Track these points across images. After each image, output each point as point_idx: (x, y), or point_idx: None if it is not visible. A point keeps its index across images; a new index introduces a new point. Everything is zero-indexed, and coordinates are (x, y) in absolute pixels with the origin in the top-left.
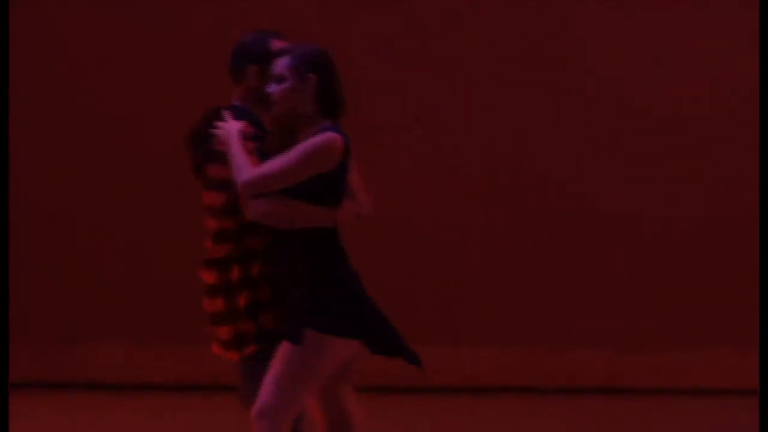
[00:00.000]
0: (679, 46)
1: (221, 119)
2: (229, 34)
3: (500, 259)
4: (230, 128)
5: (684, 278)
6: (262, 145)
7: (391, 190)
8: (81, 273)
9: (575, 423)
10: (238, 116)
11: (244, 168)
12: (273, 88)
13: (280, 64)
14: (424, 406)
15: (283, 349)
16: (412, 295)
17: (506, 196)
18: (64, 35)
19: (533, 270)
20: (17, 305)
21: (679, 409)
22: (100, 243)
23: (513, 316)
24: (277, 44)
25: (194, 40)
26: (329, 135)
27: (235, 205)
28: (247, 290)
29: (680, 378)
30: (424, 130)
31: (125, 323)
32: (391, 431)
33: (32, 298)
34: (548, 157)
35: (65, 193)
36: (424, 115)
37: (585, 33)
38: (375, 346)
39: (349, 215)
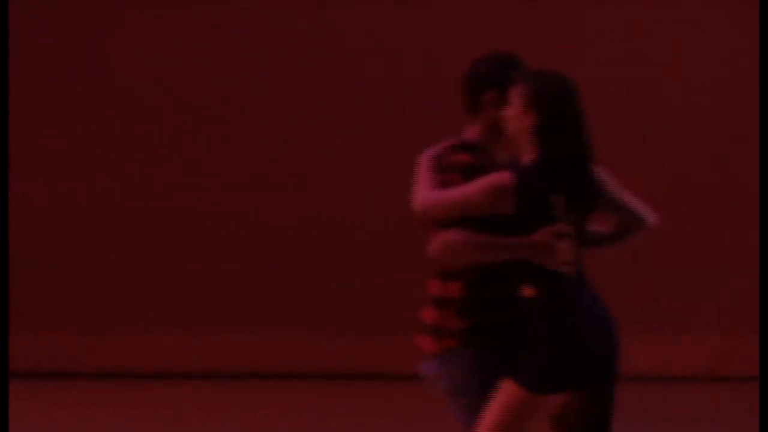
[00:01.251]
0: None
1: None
2: (219, 31)
3: None
4: (426, 154)
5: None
6: (467, 176)
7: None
8: (74, 263)
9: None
10: (460, 150)
11: (421, 195)
12: (506, 111)
13: (516, 90)
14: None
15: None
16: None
17: None
18: (65, 35)
19: None
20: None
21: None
22: (94, 235)
23: None
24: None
25: (191, 38)
26: (494, 178)
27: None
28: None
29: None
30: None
31: (122, 313)
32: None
33: (28, 288)
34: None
35: (64, 190)
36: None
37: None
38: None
39: (544, 239)
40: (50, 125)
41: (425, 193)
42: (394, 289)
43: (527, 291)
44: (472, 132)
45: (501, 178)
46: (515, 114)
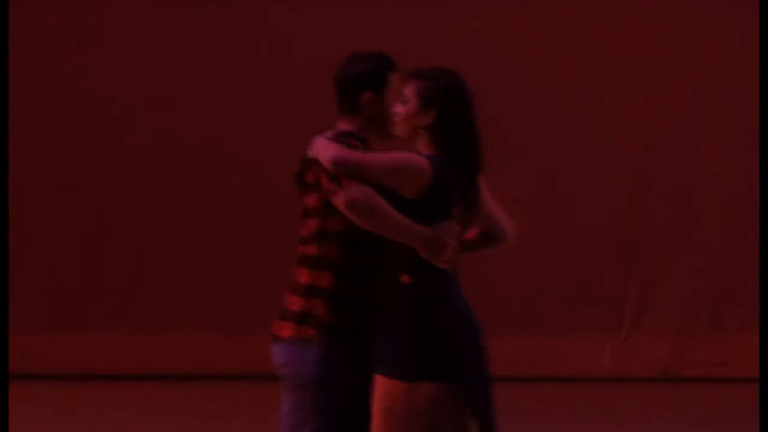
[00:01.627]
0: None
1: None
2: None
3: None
4: (320, 139)
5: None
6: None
7: None
8: (73, 264)
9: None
10: (346, 136)
11: (333, 148)
12: (398, 108)
13: (409, 86)
14: None
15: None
16: None
17: None
18: (64, 35)
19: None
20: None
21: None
22: (95, 234)
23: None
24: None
25: (190, 41)
26: (416, 157)
27: (324, 206)
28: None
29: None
30: None
31: (119, 313)
32: None
33: (26, 288)
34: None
35: (62, 188)
36: None
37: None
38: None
39: (442, 236)
40: (49, 129)
41: (340, 148)
42: None
43: (405, 278)
44: (348, 127)
45: (421, 159)
46: (411, 111)
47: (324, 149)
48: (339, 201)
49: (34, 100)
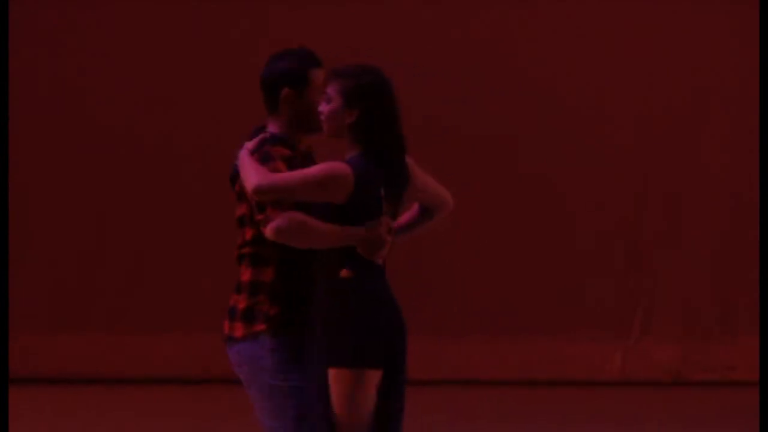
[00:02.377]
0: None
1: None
2: (214, 33)
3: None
4: (245, 147)
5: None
6: (290, 166)
7: None
8: (73, 266)
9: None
10: (269, 142)
11: (255, 174)
12: (322, 107)
13: (332, 85)
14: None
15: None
16: None
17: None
18: (64, 35)
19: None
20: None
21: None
22: (94, 236)
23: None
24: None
25: (191, 41)
26: (335, 165)
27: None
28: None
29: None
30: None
31: (117, 315)
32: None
33: (25, 290)
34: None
35: (61, 189)
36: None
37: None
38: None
39: (378, 233)
40: (49, 129)
41: (261, 174)
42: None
43: (344, 273)
44: (273, 127)
45: (340, 167)
46: (335, 109)
47: (246, 173)
48: (267, 232)
49: (34, 100)
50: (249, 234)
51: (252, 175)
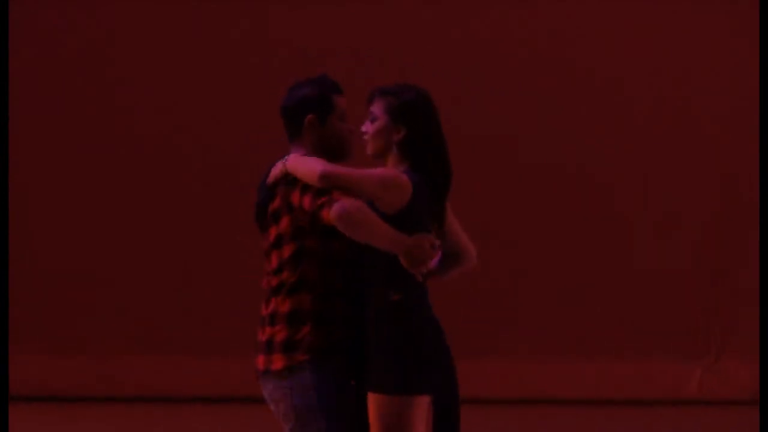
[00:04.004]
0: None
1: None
2: (212, 34)
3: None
4: (289, 156)
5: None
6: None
7: None
8: (74, 284)
9: None
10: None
11: (317, 163)
12: (366, 127)
13: (376, 104)
14: None
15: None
16: None
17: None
18: (64, 35)
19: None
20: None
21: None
22: (95, 255)
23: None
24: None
25: (191, 41)
26: (397, 172)
27: (296, 229)
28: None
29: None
30: None
31: (117, 334)
32: None
33: (27, 309)
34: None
35: (61, 192)
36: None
37: (583, 29)
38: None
39: (424, 246)
40: (49, 131)
41: (324, 163)
42: None
43: (393, 296)
44: (298, 153)
45: (401, 175)
46: (381, 128)
47: (305, 164)
48: (331, 213)
49: (33, 100)
50: (288, 250)
51: (314, 164)
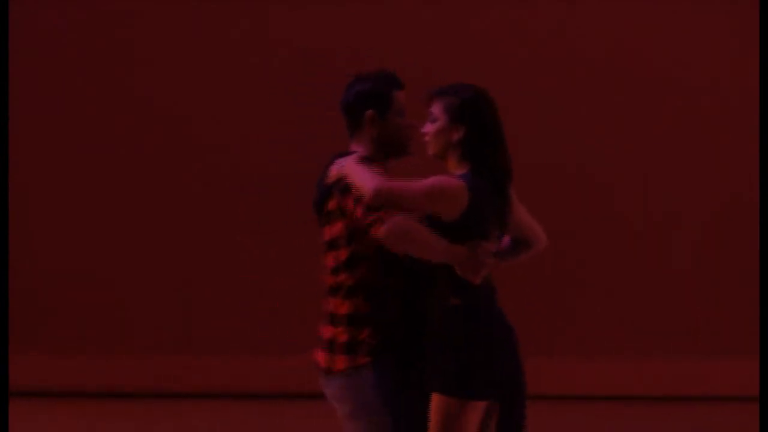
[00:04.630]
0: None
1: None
2: (210, 33)
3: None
4: (347, 159)
5: (691, 284)
6: None
7: None
8: (75, 282)
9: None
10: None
11: (371, 179)
12: (426, 127)
13: (435, 104)
14: None
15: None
16: None
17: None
18: (64, 35)
19: (531, 279)
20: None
21: (680, 416)
22: (97, 253)
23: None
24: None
25: (191, 41)
26: (452, 180)
27: (351, 233)
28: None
29: (684, 385)
30: None
31: (118, 333)
32: None
33: (29, 307)
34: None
35: (63, 202)
36: None
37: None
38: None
39: (484, 257)
40: (48, 132)
41: (379, 179)
42: None
43: (453, 300)
44: (357, 149)
45: (457, 182)
46: (441, 128)
47: (359, 177)
48: (381, 232)
49: (34, 100)
50: (343, 253)
51: (368, 179)
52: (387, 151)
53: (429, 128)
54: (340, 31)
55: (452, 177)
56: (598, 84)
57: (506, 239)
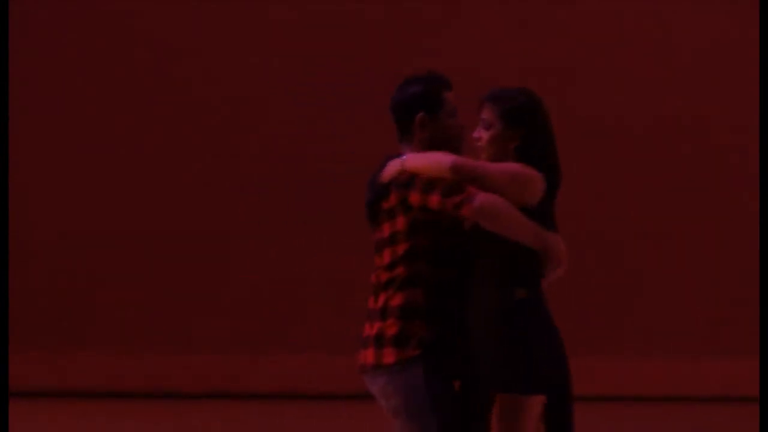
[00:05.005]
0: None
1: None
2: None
3: None
4: (407, 156)
5: (689, 285)
6: None
7: None
8: (74, 281)
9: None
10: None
11: (444, 156)
12: (479, 133)
13: (488, 110)
14: None
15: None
16: None
17: None
18: (64, 35)
19: None
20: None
21: (680, 416)
22: (97, 252)
23: None
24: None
25: (191, 41)
26: (533, 169)
27: (413, 227)
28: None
29: (684, 385)
30: None
31: (119, 331)
32: None
33: (29, 306)
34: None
35: (64, 202)
36: None
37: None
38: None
39: (560, 248)
40: (49, 132)
41: (452, 156)
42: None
43: (519, 293)
44: (408, 151)
45: (534, 170)
46: (497, 134)
47: (430, 159)
48: (473, 207)
49: (34, 100)
50: (402, 248)
51: (441, 157)
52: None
53: (482, 134)
54: (340, 30)
55: (530, 167)
56: (602, 85)
57: None
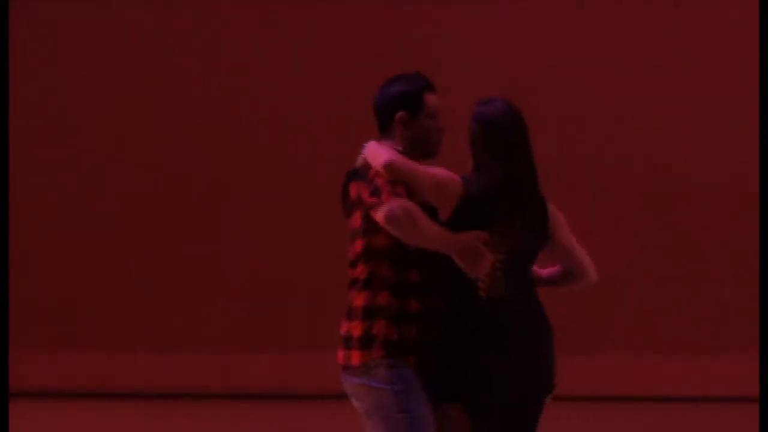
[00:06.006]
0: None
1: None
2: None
3: None
4: (372, 143)
5: (689, 285)
6: None
7: None
8: (75, 280)
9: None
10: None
11: (387, 154)
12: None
13: (473, 113)
14: None
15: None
16: None
17: None
18: (64, 36)
19: None
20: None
21: (678, 417)
22: (97, 253)
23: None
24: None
25: (192, 42)
26: (451, 175)
27: (367, 224)
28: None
29: (684, 385)
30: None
31: (117, 333)
32: None
33: (29, 305)
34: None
35: (65, 199)
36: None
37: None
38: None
39: (474, 244)
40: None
41: (395, 155)
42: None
43: (484, 292)
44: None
45: (455, 178)
46: (472, 144)
47: (376, 152)
48: (378, 214)
49: (33, 100)
50: (359, 246)
51: (383, 153)
52: (414, 151)
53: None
54: (340, 30)
55: (453, 174)
56: (603, 86)
57: (557, 267)
